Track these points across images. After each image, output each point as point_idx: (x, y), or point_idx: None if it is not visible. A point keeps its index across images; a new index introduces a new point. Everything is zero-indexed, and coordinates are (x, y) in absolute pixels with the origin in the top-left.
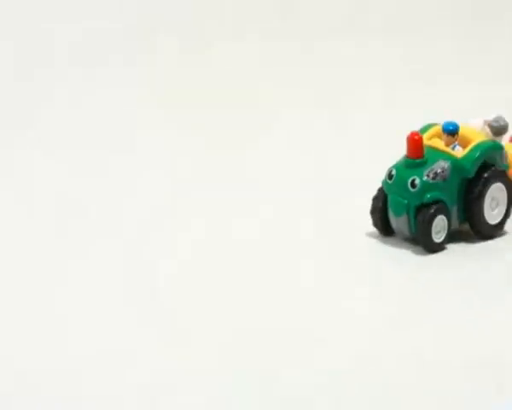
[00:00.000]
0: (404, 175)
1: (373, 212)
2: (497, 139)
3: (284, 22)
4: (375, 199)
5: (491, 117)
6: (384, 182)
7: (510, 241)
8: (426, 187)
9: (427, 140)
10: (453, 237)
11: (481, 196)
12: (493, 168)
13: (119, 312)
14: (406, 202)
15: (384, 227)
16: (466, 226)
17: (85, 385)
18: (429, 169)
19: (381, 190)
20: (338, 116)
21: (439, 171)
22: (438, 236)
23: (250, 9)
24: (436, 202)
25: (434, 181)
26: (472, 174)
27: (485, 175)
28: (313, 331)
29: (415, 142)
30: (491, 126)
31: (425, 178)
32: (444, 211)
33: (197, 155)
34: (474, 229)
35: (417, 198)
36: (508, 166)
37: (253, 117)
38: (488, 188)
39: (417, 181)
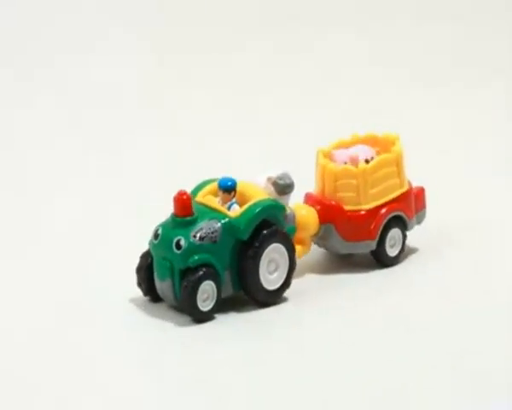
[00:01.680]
0: (170, 235)
1: (138, 271)
2: (282, 199)
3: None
4: (144, 256)
5: (275, 174)
6: (150, 242)
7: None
8: (192, 249)
9: (201, 197)
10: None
11: (256, 256)
12: (273, 227)
13: None
14: (169, 264)
15: (149, 289)
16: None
17: None
18: (197, 229)
19: None
20: None
21: (208, 231)
22: (205, 304)
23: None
24: (204, 265)
25: (202, 242)
26: (246, 236)
27: (262, 234)
28: None
29: (182, 201)
30: (275, 184)
31: (192, 239)
32: (212, 276)
33: None
34: (249, 295)
35: (182, 261)
36: (294, 229)
37: None
38: (265, 248)
39: (183, 242)
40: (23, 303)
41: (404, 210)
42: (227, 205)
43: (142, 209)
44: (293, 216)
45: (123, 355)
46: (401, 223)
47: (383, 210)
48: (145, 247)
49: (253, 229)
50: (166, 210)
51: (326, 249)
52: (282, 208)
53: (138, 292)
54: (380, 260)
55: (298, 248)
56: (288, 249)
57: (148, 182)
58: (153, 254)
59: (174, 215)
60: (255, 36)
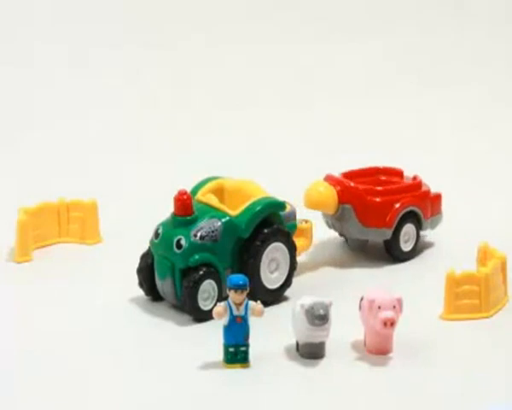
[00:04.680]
0: (171, 234)
1: (139, 271)
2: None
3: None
4: (144, 257)
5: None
6: (151, 241)
7: None
8: (193, 248)
9: (201, 196)
10: None
11: (257, 255)
12: (274, 226)
13: None
14: (170, 264)
15: (150, 289)
16: None
17: None
18: (198, 228)
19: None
20: None
21: (208, 230)
22: (206, 303)
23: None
24: (205, 264)
25: (203, 242)
26: (247, 235)
27: (263, 232)
28: None
29: (182, 202)
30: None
31: (192, 238)
32: (213, 275)
33: None
34: (250, 294)
35: (183, 260)
36: (295, 226)
37: None
38: (266, 247)
39: (183, 241)
40: (24, 304)
41: (421, 207)
42: (243, 306)
43: (143, 208)
44: (295, 213)
45: (123, 354)
46: (416, 220)
47: (400, 202)
48: (146, 246)
49: (254, 227)
50: (166, 210)
51: (341, 234)
52: (283, 206)
53: (139, 290)
54: (393, 253)
55: (298, 245)
56: (288, 248)
57: (148, 181)
58: (153, 253)
59: (174, 215)
60: (258, 33)
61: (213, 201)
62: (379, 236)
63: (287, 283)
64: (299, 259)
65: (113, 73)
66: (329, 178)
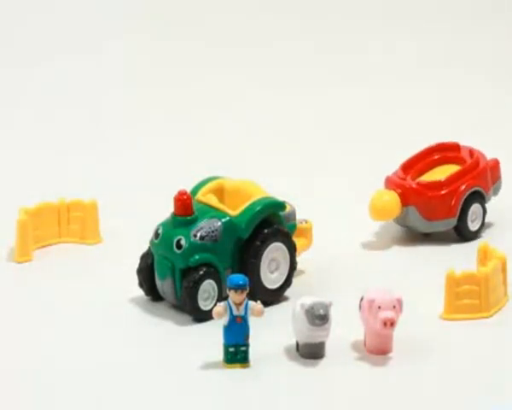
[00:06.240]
0: (171, 234)
1: (139, 271)
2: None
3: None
4: (144, 257)
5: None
6: (151, 241)
7: None
8: (193, 248)
9: (201, 196)
10: None
11: (257, 255)
12: (275, 226)
13: None
14: (170, 264)
15: (150, 289)
16: None
17: None
18: (198, 228)
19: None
20: None
21: (208, 230)
22: (206, 303)
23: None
24: (205, 265)
25: (203, 242)
26: (247, 235)
27: (264, 232)
28: None
29: (182, 202)
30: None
31: (192, 238)
32: (213, 275)
33: None
34: (250, 294)
35: (183, 260)
36: (295, 226)
37: None
38: (266, 247)
39: (183, 241)
40: (24, 304)
41: (482, 185)
42: (243, 306)
43: (143, 208)
44: (294, 213)
45: (123, 354)
46: (480, 197)
47: (462, 187)
48: (146, 246)
49: (254, 227)
50: (166, 210)
51: (406, 228)
52: (283, 206)
53: (139, 290)
54: (462, 234)
55: (298, 245)
56: (288, 248)
57: (148, 181)
58: (153, 253)
59: (174, 215)
60: (259, 32)
61: (213, 201)
62: (445, 226)
63: (287, 283)
64: (299, 259)
65: (113, 72)
66: (389, 182)
